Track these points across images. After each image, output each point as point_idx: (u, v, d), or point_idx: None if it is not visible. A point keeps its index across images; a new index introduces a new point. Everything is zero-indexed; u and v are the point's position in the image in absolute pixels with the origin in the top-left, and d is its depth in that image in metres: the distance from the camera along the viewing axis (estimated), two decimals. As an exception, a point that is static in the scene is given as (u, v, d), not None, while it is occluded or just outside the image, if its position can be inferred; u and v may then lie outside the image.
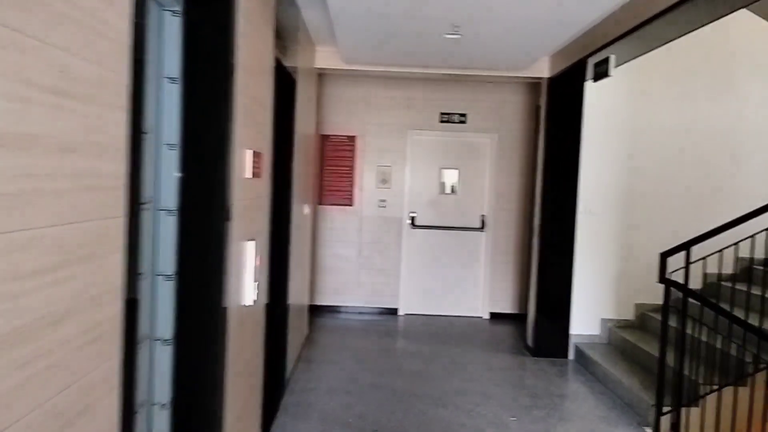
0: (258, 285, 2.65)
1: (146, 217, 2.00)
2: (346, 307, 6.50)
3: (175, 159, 2.08)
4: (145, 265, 2.01)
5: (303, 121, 4.47)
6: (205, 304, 2.16)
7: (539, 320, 5.18)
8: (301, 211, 4.71)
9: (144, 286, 2.01)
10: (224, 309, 2.21)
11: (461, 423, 3.64)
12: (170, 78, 2.07)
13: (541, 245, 5.17)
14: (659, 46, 3.76)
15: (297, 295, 4.63)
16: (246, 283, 2.54)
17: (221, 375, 2.22)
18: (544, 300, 5.17)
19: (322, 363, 4.72)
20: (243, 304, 2.53)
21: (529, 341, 5.32)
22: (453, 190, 6.50)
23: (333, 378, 4.38)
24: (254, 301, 2.62)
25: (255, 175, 2.58)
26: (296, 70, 4.01)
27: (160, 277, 2.09)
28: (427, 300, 6.53)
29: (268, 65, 2.91)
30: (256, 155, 2.60)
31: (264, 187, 2.88)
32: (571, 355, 5.13)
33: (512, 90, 6.41)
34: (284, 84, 3.82)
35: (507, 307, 6.53)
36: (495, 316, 6.51)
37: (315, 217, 6.38)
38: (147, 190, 1.98)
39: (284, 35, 3.61)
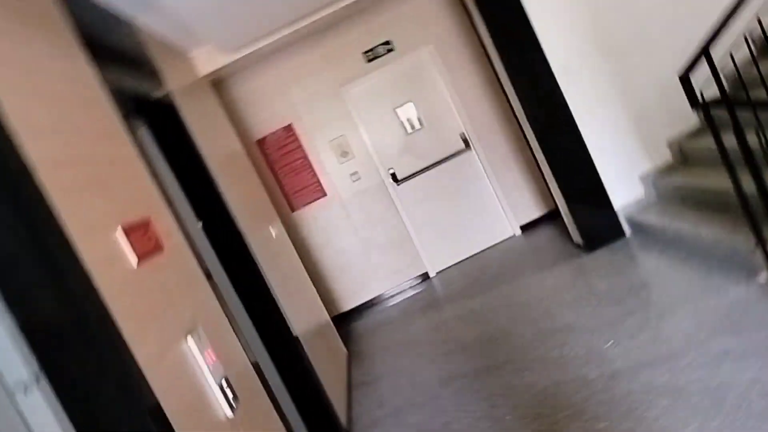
0: (227, 381, 1.94)
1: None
2: (376, 298, 5.82)
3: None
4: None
5: (213, 142, 3.70)
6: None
7: (575, 212, 4.46)
8: (268, 235, 3.98)
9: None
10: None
11: (556, 380, 2.97)
12: None
13: (537, 132, 4.40)
14: None
15: (308, 321, 3.94)
16: (211, 394, 1.84)
17: None
18: (569, 189, 4.43)
19: (376, 379, 4.06)
20: (219, 418, 1.83)
21: (576, 237, 4.61)
22: (420, 124, 5.71)
23: (394, 393, 3.72)
24: (234, 402, 1.92)
25: (146, 255, 1.84)
26: (172, 95, 3.21)
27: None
28: (451, 248, 5.82)
29: (102, 111, 2.13)
30: (138, 229, 1.85)
31: (178, 256, 2.14)
32: (627, 232, 4.41)
33: (423, -11, 5.53)
34: (161, 117, 3.04)
35: (534, 211, 5.81)
36: (527, 228, 5.80)
37: (295, 227, 5.65)
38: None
39: (129, 62, 2.81)
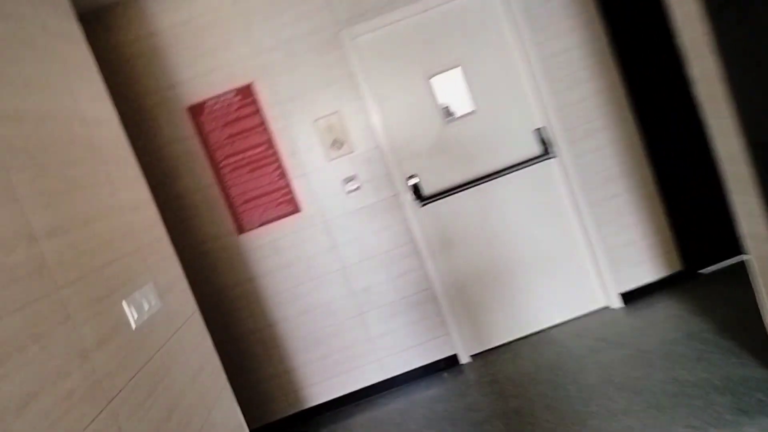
0: None
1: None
2: (368, 390, 3.50)
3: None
4: None
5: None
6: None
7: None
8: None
9: None
10: None
11: None
12: None
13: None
14: None
15: None
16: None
17: None
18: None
19: None
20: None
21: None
22: (469, 105, 3.38)
23: None
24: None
25: None
26: None
27: None
28: (498, 319, 3.50)
29: None
30: None
31: None
32: None
33: None
34: None
35: (648, 272, 3.47)
36: (631, 298, 3.47)
37: (240, 259, 3.33)
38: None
39: None
